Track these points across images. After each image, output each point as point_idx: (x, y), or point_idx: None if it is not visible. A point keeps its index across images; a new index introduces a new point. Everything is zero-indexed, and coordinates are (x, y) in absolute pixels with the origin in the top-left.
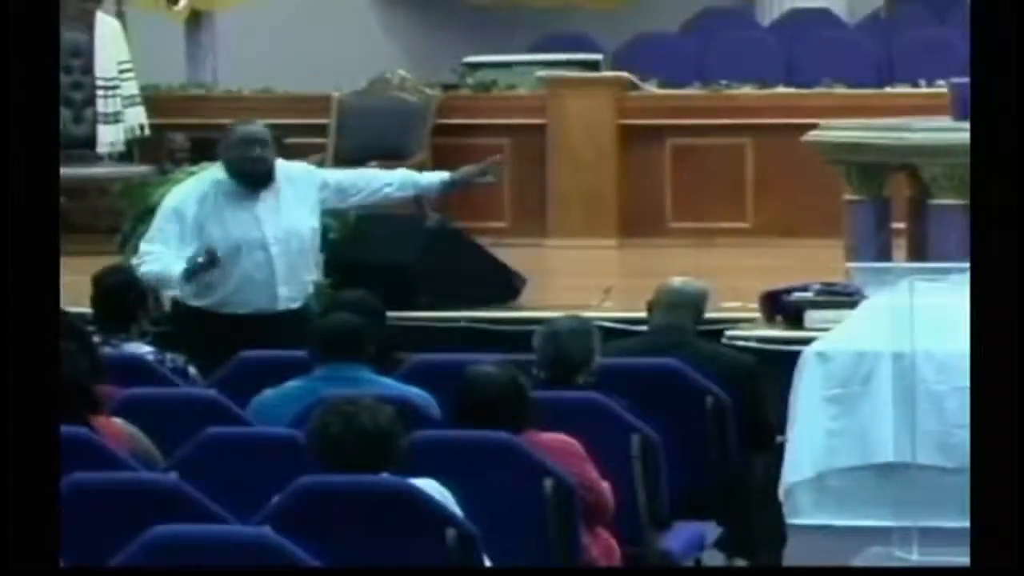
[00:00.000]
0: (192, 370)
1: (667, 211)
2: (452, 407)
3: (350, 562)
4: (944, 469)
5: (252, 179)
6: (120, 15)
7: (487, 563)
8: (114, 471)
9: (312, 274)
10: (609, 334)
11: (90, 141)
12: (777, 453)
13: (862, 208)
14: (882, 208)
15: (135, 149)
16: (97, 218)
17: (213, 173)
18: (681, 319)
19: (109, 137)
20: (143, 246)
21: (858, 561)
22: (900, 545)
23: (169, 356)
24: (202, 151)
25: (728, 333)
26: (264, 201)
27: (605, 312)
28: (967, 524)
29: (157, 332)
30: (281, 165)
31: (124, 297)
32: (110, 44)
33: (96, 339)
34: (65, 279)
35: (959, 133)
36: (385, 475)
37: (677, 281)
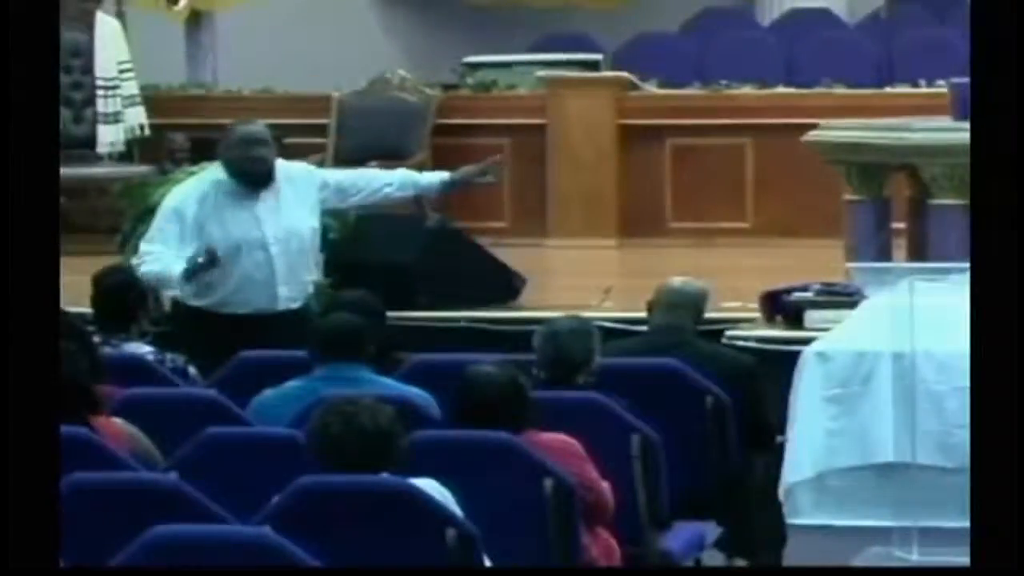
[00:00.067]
0: (192, 370)
1: (667, 211)
2: (452, 407)
3: (350, 562)
4: (944, 469)
5: (252, 179)
6: (120, 15)
7: (487, 563)
8: (114, 471)
9: (312, 274)
10: (609, 334)
11: (90, 141)
12: (777, 453)
13: (862, 208)
14: (882, 208)
15: (135, 149)
16: (97, 218)
17: (213, 173)
18: (681, 319)
19: (109, 137)
20: (143, 246)
21: (858, 561)
22: (900, 545)
23: (169, 356)
24: (202, 151)
25: (728, 333)
26: (264, 201)
27: (605, 312)
28: (967, 524)
29: (157, 332)
30: (281, 165)
31: (124, 297)
32: (110, 44)
33: (96, 339)
34: (65, 279)
35: (959, 133)
36: (385, 475)
37: (677, 281)
